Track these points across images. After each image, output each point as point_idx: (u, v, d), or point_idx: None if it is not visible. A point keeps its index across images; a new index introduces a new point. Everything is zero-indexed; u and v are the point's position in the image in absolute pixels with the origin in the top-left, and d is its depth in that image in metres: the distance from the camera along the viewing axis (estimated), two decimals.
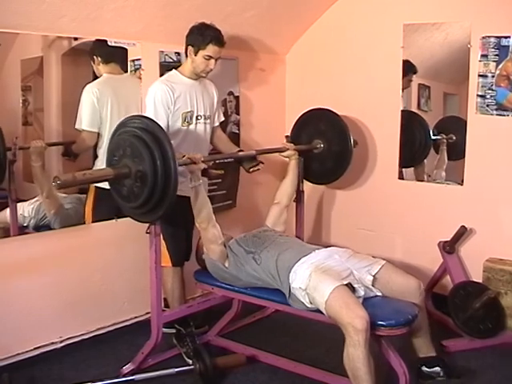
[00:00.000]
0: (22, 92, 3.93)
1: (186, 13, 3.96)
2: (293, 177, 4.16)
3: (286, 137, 4.42)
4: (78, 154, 4.04)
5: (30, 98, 3.96)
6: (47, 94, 4.09)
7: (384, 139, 4.71)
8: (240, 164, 4.08)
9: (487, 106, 4.11)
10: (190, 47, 3.74)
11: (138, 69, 4.07)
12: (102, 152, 3.97)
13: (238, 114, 4.78)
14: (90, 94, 3.91)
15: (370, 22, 4.66)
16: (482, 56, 4.08)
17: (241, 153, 4.01)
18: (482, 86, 4.11)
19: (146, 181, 3.00)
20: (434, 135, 4.59)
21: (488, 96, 4.09)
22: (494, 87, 4.07)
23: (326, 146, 4.42)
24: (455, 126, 4.35)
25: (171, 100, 3.72)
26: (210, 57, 3.71)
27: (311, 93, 5.08)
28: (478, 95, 4.14)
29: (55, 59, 4.02)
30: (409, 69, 4.56)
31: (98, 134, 3.96)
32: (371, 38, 4.67)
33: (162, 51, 4.17)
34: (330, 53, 4.96)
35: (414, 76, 4.63)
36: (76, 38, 3.91)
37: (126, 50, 4.09)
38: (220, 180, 4.53)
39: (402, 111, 4.62)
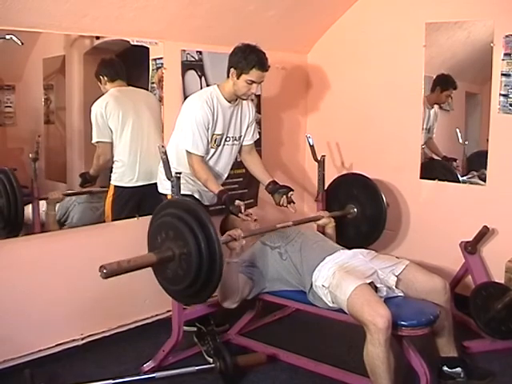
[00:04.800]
0: (44, 91, 3.97)
1: (208, 11, 3.97)
2: None
3: (307, 137, 4.40)
4: (97, 175, 4.08)
5: (52, 96, 4.00)
6: (69, 92, 4.12)
7: (406, 138, 4.68)
8: (271, 195, 4.00)
9: (510, 105, 4.07)
10: (232, 69, 3.65)
11: (159, 68, 4.08)
12: (119, 166, 4.04)
13: (259, 112, 4.76)
14: (95, 108, 3.95)
15: (392, 21, 4.63)
16: (505, 55, 4.04)
17: (278, 225, 3.77)
18: (505, 85, 4.07)
19: (190, 263, 2.94)
20: (462, 175, 4.53)
21: (511, 95, 4.06)
22: None
23: (360, 210, 4.38)
24: (486, 160, 4.25)
25: (211, 123, 3.69)
26: (253, 81, 3.64)
27: (333, 90, 5.09)
28: (500, 94, 4.10)
29: (77, 58, 4.04)
30: (449, 84, 4.54)
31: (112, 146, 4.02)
32: (393, 36, 4.64)
33: (184, 50, 4.17)
34: (351, 51, 4.94)
35: (454, 91, 4.59)
36: (98, 37, 3.93)
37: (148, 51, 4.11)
38: (241, 179, 4.54)
39: (426, 162, 4.63)
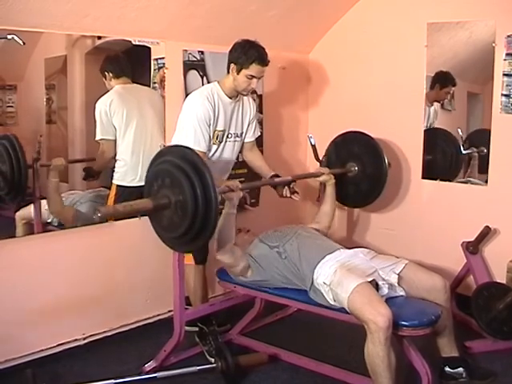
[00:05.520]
0: (46, 90, 3.97)
1: (208, 11, 3.97)
2: (331, 203, 4.09)
3: (309, 137, 4.40)
4: (100, 171, 4.11)
5: (54, 96, 4.00)
6: (71, 92, 4.12)
7: (408, 139, 4.67)
8: (274, 188, 4.00)
9: None
10: (232, 65, 3.66)
11: (161, 67, 4.08)
12: (121, 165, 4.05)
13: (261, 112, 4.76)
14: (100, 105, 3.95)
15: (394, 21, 4.63)
16: (507, 55, 4.03)
17: (277, 179, 3.91)
18: (507, 85, 4.07)
19: (186, 211, 2.94)
20: (464, 149, 4.53)
21: None
22: None
23: (361, 169, 4.39)
24: (486, 139, 4.23)
25: (212, 119, 3.69)
26: (253, 76, 3.65)
27: (335, 91, 5.09)
28: (502, 94, 4.09)
29: (79, 58, 4.05)
30: (448, 81, 4.54)
31: (115, 144, 4.03)
32: (395, 36, 4.64)
33: (186, 50, 4.17)
34: (353, 51, 4.94)
35: (453, 88, 4.60)
36: (99, 37, 3.93)
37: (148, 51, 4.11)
38: (243, 179, 4.53)
39: (430, 129, 4.63)
